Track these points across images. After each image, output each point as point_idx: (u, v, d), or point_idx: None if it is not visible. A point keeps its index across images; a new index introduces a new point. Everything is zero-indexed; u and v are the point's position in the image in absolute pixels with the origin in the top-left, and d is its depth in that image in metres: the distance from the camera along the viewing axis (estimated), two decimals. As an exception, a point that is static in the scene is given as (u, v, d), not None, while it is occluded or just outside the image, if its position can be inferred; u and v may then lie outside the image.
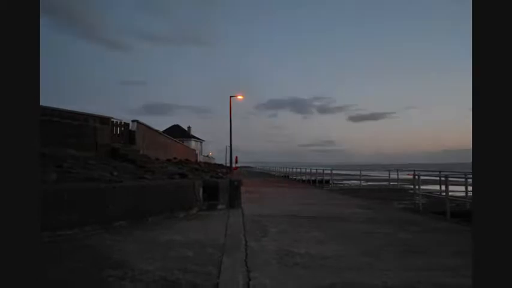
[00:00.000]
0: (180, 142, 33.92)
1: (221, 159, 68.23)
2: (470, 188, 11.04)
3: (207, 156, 63.84)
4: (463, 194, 11.72)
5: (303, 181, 28.30)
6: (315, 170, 26.66)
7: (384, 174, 28.07)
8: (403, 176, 22.43)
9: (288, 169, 37.88)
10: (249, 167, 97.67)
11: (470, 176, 9.97)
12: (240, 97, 27.30)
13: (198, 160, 40.77)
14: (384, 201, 13.86)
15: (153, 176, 9.91)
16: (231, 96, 26.59)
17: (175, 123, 58.30)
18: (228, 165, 38.25)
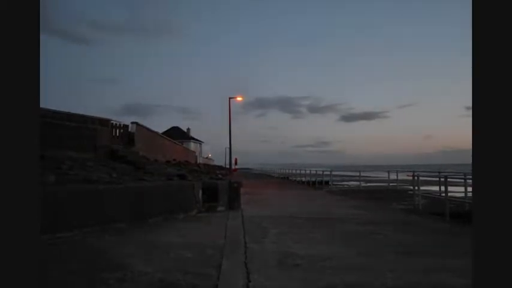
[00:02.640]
0: (180, 144, 33.88)
1: (219, 160, 68.03)
2: (469, 189, 11.04)
3: (206, 157, 63.78)
4: (462, 194, 11.72)
5: (302, 182, 28.27)
6: (314, 171, 26.59)
7: (383, 175, 28.07)
8: (402, 177, 22.42)
9: (287, 170, 37.83)
10: (247, 168, 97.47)
11: (470, 176, 9.97)
12: (239, 98, 27.11)
13: (198, 162, 40.73)
14: (384, 202, 13.86)
15: (153, 178, 9.90)
16: (230, 98, 26.49)
17: (174, 125, 58.27)
18: (227, 166, 38.22)
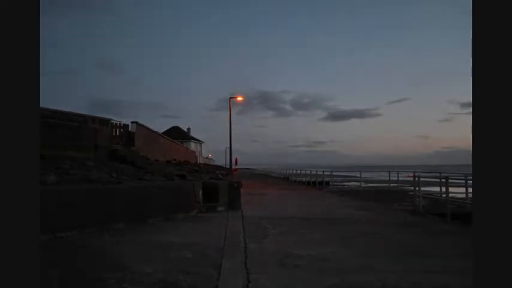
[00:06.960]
0: (180, 143, 33.89)
1: (217, 160, 67.93)
2: (470, 190, 11.01)
3: (207, 158, 63.86)
4: (463, 195, 11.69)
5: (303, 182, 28.26)
6: (314, 172, 26.60)
7: (384, 176, 28.06)
8: (403, 177, 22.41)
9: (287, 171, 37.83)
10: (247, 168, 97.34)
11: (471, 177, 9.95)
12: (239, 98, 27.04)
13: (198, 162, 40.73)
14: (384, 202, 13.83)
15: (153, 178, 9.90)
16: (230, 98, 26.46)
17: (174, 125, 58.37)
18: (227, 166, 38.19)
